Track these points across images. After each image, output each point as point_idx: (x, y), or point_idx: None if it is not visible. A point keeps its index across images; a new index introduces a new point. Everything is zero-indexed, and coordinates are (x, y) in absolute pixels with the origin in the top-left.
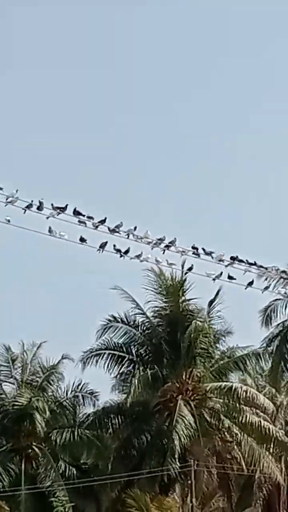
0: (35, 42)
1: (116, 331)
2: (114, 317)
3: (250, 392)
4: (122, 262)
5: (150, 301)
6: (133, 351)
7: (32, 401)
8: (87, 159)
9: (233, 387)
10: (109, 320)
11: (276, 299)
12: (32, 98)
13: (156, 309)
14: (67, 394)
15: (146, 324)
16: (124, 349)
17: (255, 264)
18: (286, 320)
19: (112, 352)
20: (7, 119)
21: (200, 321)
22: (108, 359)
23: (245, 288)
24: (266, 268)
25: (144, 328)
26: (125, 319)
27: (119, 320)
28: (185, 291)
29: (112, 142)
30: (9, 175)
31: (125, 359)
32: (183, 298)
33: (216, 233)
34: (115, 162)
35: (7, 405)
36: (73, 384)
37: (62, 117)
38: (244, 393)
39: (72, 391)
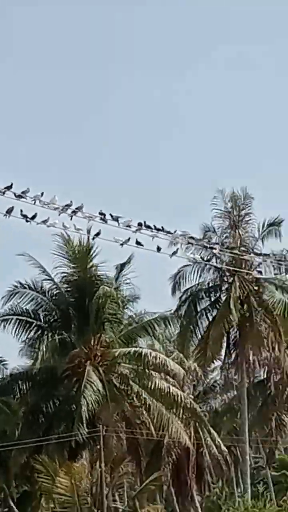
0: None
1: (23, 297)
2: (21, 283)
3: (159, 358)
4: (29, 229)
5: (58, 267)
6: (41, 317)
7: None
8: None
9: (143, 353)
10: (16, 286)
11: (186, 265)
12: None
13: (64, 275)
14: None
15: (54, 290)
16: (32, 315)
17: (162, 229)
18: (194, 286)
19: (19, 317)
20: None
21: (108, 287)
22: (16, 325)
23: (155, 253)
24: (173, 233)
25: (52, 294)
26: (32, 285)
27: (26, 286)
28: (92, 257)
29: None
30: None
31: (33, 325)
32: (90, 263)
33: (128, 198)
34: (21, 128)
35: None
36: None
37: None
38: (154, 358)
39: None
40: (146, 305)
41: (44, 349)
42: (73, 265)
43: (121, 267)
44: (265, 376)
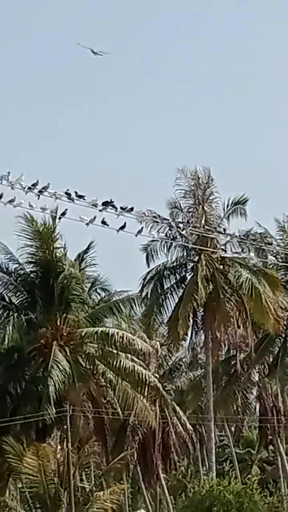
0: None
1: None
2: None
3: (126, 337)
4: None
5: (22, 247)
6: (6, 298)
7: None
8: None
9: (109, 333)
10: None
11: (153, 240)
12: None
13: (29, 256)
14: None
15: (19, 271)
16: None
17: (131, 209)
18: (159, 265)
19: None
20: None
21: (72, 268)
22: None
23: (117, 232)
24: (138, 212)
25: (17, 275)
26: None
27: None
28: (56, 237)
29: None
30: None
31: None
32: (55, 244)
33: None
34: None
35: None
36: None
37: None
38: (120, 338)
39: None
40: (118, 286)
41: (11, 329)
42: (37, 245)
43: (87, 247)
44: (230, 354)
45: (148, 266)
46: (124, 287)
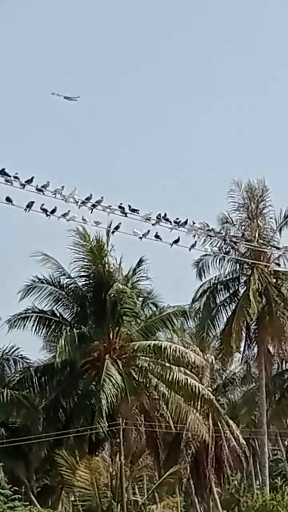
0: None
1: (40, 292)
2: (39, 278)
3: (179, 350)
4: (47, 223)
5: (75, 261)
6: (59, 312)
7: None
8: (17, 120)
9: (162, 346)
10: (33, 281)
11: (206, 254)
12: None
13: (81, 269)
14: None
15: (71, 285)
16: (50, 312)
17: (185, 222)
18: (212, 278)
19: (38, 314)
20: None
21: (124, 282)
22: (35, 322)
23: (171, 246)
24: (191, 226)
25: (69, 289)
26: (50, 280)
27: (44, 281)
28: (108, 251)
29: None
30: None
31: (52, 321)
32: (108, 258)
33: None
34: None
35: None
36: (4, 347)
37: None
38: (173, 351)
39: (2, 354)
40: (168, 300)
41: (63, 343)
42: (89, 259)
43: (139, 261)
44: (284, 368)
45: (200, 280)
46: (174, 301)
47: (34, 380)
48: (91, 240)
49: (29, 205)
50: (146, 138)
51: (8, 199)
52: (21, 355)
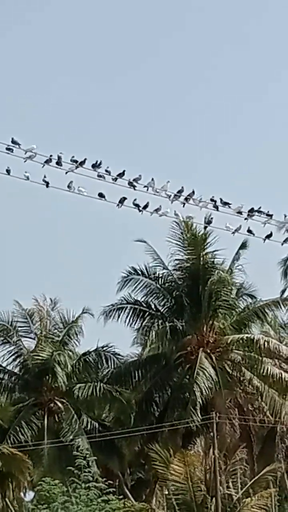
0: None
1: (136, 284)
2: (135, 270)
3: (272, 343)
4: (142, 215)
5: (173, 253)
6: (154, 305)
7: (54, 355)
8: (106, 113)
9: (255, 339)
10: (130, 273)
11: None
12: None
13: (177, 262)
14: (89, 352)
15: (167, 277)
16: (145, 303)
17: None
18: None
19: (133, 306)
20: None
21: (223, 272)
22: (130, 313)
23: (264, 241)
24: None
25: (165, 281)
26: (145, 272)
27: (140, 272)
28: (208, 245)
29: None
30: (26, 130)
31: (146, 314)
32: (205, 251)
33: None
34: (128, 116)
35: (28, 360)
36: (97, 341)
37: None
38: (266, 344)
39: (96, 349)
40: (260, 293)
41: (154, 336)
42: (188, 252)
43: (236, 254)
44: None
45: (286, 277)
46: (269, 294)
47: (126, 374)
48: (189, 232)
49: (122, 201)
50: (146, 138)
51: (101, 195)
52: (113, 351)
